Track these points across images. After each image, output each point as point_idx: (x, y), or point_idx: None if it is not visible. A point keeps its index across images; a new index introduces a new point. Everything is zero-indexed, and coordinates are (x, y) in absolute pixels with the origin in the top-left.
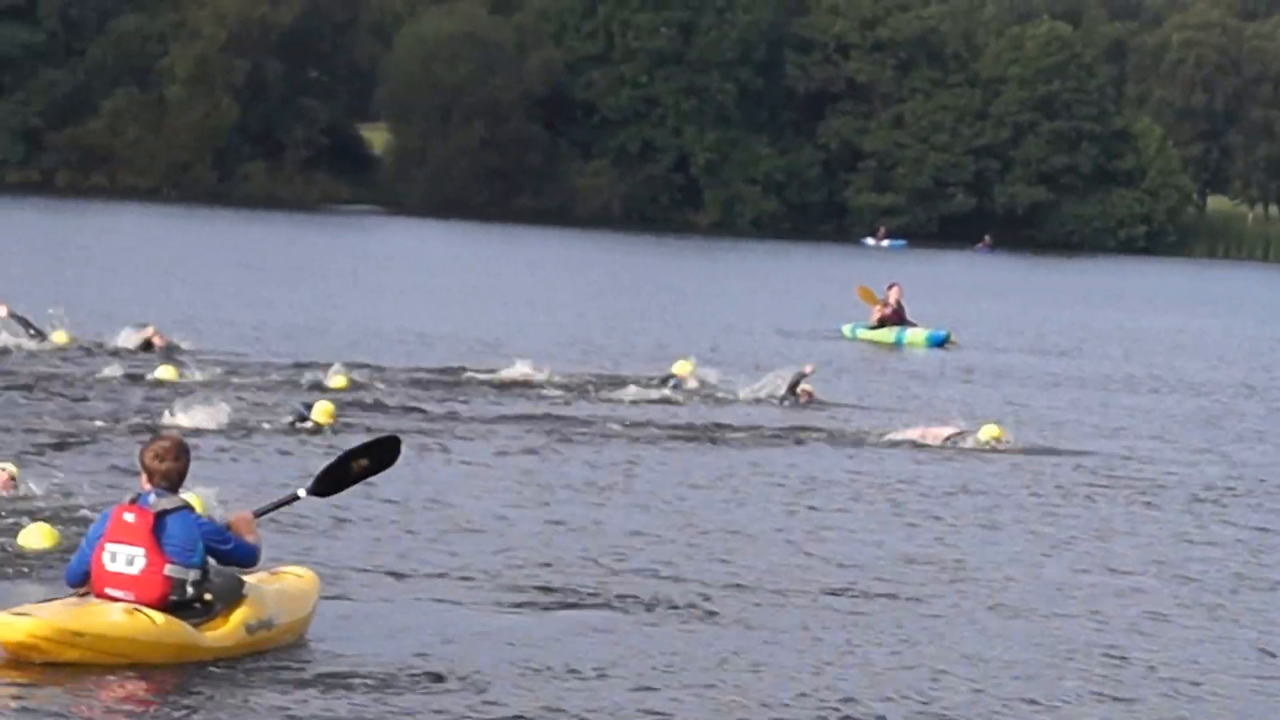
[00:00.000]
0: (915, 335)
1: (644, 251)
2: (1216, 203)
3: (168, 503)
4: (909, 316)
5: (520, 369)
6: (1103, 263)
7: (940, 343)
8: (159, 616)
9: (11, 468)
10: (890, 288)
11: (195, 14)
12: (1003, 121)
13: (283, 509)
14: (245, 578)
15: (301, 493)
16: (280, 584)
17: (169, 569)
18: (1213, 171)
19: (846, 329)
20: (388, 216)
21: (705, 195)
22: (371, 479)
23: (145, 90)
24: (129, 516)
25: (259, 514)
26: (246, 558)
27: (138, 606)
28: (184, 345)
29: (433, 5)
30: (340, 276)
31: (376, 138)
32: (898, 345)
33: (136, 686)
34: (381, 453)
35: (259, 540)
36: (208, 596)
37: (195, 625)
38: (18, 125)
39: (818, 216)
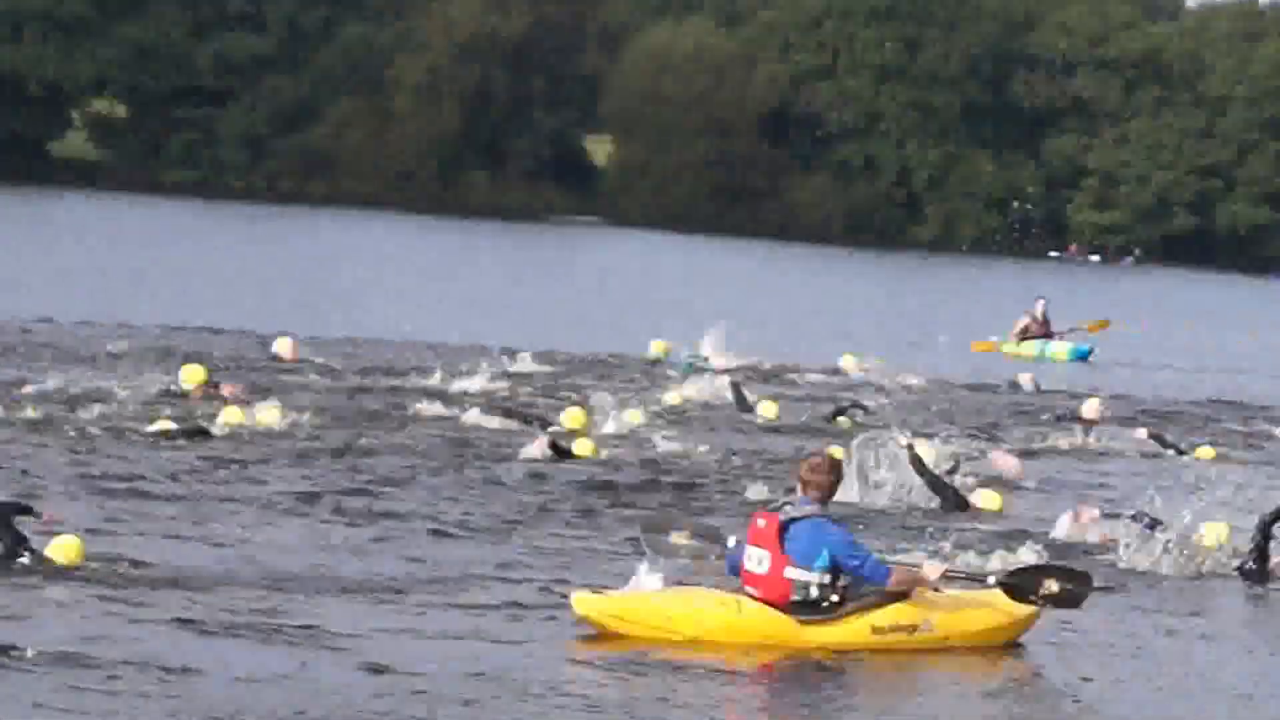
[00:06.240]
0: (1059, 350)
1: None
2: None
3: (797, 511)
4: (1055, 329)
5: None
6: None
7: (1084, 357)
8: (750, 605)
9: None
10: (1037, 300)
11: (423, 24)
12: (1228, 141)
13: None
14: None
15: (991, 580)
16: (964, 598)
17: (789, 571)
18: None
19: (995, 342)
20: (614, 228)
21: (927, 211)
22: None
23: (371, 98)
24: (760, 522)
25: (947, 575)
26: (872, 577)
27: (740, 599)
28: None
29: (661, 18)
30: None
31: (599, 149)
32: (1041, 358)
33: None
34: (1073, 587)
35: (913, 583)
36: (834, 598)
37: (807, 621)
38: (243, 132)
39: (1038, 233)
